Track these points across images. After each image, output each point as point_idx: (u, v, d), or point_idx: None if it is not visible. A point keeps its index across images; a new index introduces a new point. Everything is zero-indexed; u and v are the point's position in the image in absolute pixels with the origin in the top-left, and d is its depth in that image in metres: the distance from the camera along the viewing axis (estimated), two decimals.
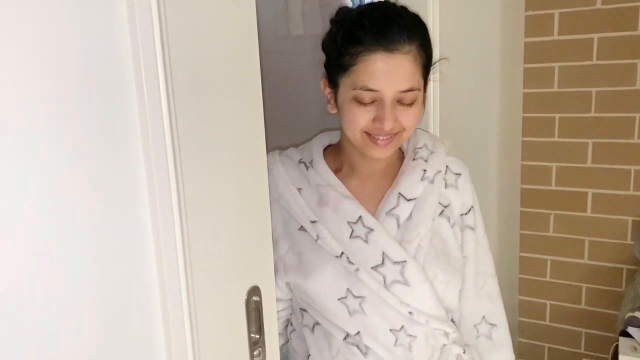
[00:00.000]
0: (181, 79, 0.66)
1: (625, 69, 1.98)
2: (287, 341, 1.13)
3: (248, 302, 0.81)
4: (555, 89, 2.10)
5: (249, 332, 0.82)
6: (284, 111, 1.99)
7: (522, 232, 2.27)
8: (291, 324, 1.11)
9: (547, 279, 2.26)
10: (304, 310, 1.05)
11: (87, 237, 0.59)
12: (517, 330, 2.36)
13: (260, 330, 0.83)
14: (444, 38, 1.30)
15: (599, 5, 1.97)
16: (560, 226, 2.20)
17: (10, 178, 0.52)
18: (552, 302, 2.27)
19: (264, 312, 0.83)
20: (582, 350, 2.25)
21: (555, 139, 2.14)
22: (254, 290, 0.82)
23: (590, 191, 2.12)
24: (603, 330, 2.18)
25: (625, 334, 1.87)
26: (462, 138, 1.59)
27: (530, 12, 2.08)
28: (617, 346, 1.89)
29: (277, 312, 1.08)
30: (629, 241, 2.08)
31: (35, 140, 0.53)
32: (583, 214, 2.14)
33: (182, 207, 0.68)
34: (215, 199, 0.73)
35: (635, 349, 1.79)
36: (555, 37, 2.06)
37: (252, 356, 0.83)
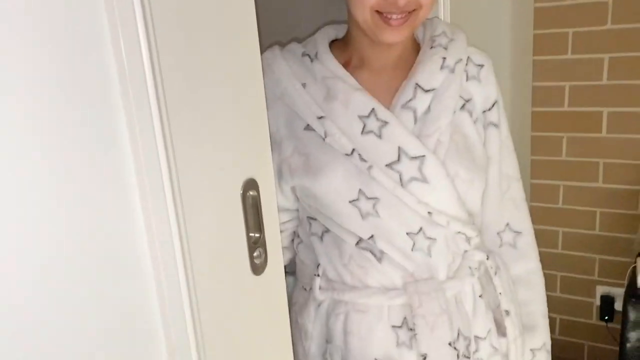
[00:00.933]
0: None
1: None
2: (294, 255, 1.04)
3: (244, 197, 0.71)
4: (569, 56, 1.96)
5: (247, 231, 0.72)
6: (281, 19, 1.86)
7: (533, 157, 2.17)
8: (298, 235, 1.02)
9: (560, 205, 2.17)
10: (312, 218, 0.95)
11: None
12: None
13: (259, 228, 0.74)
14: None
15: None
16: (573, 149, 2.09)
17: None
18: (565, 229, 2.19)
19: (262, 207, 0.74)
20: (596, 277, 2.18)
21: (565, 108, 2.01)
22: (251, 184, 0.72)
23: (605, 110, 2.00)
24: (618, 255, 2.10)
25: None
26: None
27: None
28: (634, 268, 1.82)
29: (283, 223, 0.99)
30: None
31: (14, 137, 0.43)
32: (598, 134, 2.03)
33: (159, 87, 0.56)
34: (202, 80, 0.62)
35: None
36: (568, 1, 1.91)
37: (251, 258, 0.73)
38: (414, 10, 0.83)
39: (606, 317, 2.17)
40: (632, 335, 1.70)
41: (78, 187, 0.52)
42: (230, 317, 0.70)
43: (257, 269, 0.75)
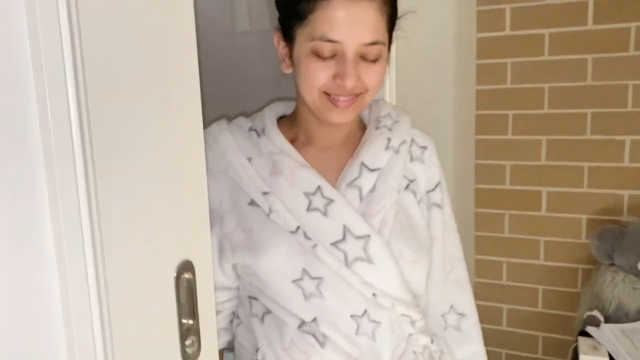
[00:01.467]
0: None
1: (577, 65, 1.96)
2: (233, 338, 0.98)
3: (178, 280, 0.67)
4: (508, 85, 2.06)
5: (180, 318, 0.68)
6: (229, 100, 1.87)
7: (477, 233, 2.21)
8: (237, 316, 0.97)
9: (504, 281, 2.19)
10: (253, 298, 0.91)
11: None
12: None
13: (193, 314, 0.69)
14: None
15: (549, 1, 1.96)
16: (515, 227, 2.14)
17: None
18: (509, 306, 2.20)
19: (198, 292, 0.69)
20: (539, 355, 2.18)
21: (509, 136, 2.09)
22: (186, 266, 0.68)
23: (544, 189, 2.08)
24: (560, 333, 2.12)
25: (584, 334, 1.81)
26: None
27: (482, 7, 2.05)
28: (576, 347, 1.83)
29: (222, 302, 0.95)
30: (583, 240, 2.04)
31: None
32: (538, 213, 2.10)
33: (89, 162, 0.53)
34: (133, 155, 0.59)
35: (596, 348, 1.73)
36: (507, 32, 2.03)
37: (183, 347, 0.68)
38: (360, 93, 0.84)
39: None
40: None
41: None
42: None
43: (189, 359, 0.70)
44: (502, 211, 2.15)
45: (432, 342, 0.93)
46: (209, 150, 0.91)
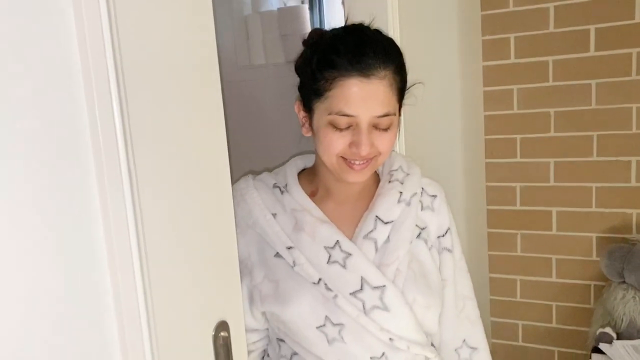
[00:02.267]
0: (136, 102, 0.62)
1: (581, 90, 2.03)
2: None
3: (216, 339, 0.77)
4: (515, 111, 2.14)
5: None
6: (252, 139, 1.97)
7: (490, 252, 2.28)
8: (268, 354, 1.06)
9: (518, 299, 2.26)
10: (281, 340, 1.00)
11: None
12: (491, 353, 2.34)
13: None
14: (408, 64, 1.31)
15: (552, 29, 2.03)
16: (527, 246, 2.21)
17: None
18: (524, 322, 2.27)
19: (233, 348, 0.79)
20: None
21: (518, 159, 2.17)
22: (222, 326, 0.78)
23: (554, 209, 2.14)
24: (575, 347, 2.18)
25: (597, 350, 1.87)
26: (428, 160, 1.59)
27: (488, 37, 2.13)
28: None
29: (253, 342, 1.04)
30: (594, 257, 2.11)
31: None
32: (549, 232, 2.17)
33: (141, 236, 0.64)
34: (177, 229, 0.70)
35: None
36: (512, 60, 2.11)
37: None
38: (374, 157, 0.93)
39: None
40: None
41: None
42: None
43: None
44: (514, 231, 2.22)
45: None
46: (238, 206, 1.01)
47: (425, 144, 1.63)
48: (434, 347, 1.05)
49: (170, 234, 0.68)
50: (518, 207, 2.20)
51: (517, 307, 2.27)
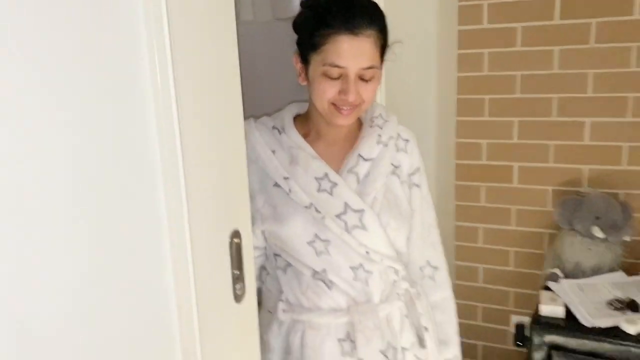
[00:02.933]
0: (186, 88, 0.79)
1: (545, 56, 2.23)
2: (262, 284, 1.29)
3: (231, 243, 0.96)
4: (486, 73, 2.34)
5: (232, 269, 0.97)
6: (248, 89, 2.12)
7: (457, 203, 2.51)
8: (265, 268, 1.27)
9: (480, 245, 2.50)
10: (277, 255, 1.20)
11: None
12: (455, 293, 2.58)
13: (240, 267, 0.98)
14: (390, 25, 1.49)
15: None
16: (490, 197, 2.44)
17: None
18: (485, 266, 2.52)
19: (243, 252, 0.98)
20: (511, 307, 2.51)
21: (486, 118, 2.38)
22: (235, 234, 0.97)
23: (516, 164, 2.37)
24: (529, 288, 2.44)
25: (547, 288, 2.13)
26: (406, 115, 1.79)
27: (463, 3, 2.30)
28: (539, 299, 2.15)
29: (254, 258, 1.24)
30: (549, 208, 2.35)
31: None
32: (510, 185, 2.40)
33: (186, 168, 0.81)
34: (208, 162, 0.88)
35: (554, 299, 2.05)
36: (485, 25, 2.29)
37: (234, 289, 0.98)
38: (359, 104, 1.12)
39: (519, 343, 2.49)
40: (536, 356, 2.02)
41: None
42: (218, 334, 0.94)
43: (238, 297, 0.99)
44: (479, 183, 2.45)
45: (411, 287, 1.23)
46: None
47: (404, 99, 1.81)
48: (403, 264, 1.26)
49: (203, 161, 0.86)
50: (484, 161, 2.42)
51: (479, 252, 2.52)
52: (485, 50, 2.32)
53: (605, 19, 2.12)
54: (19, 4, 0.57)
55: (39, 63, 0.60)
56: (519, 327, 2.48)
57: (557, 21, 2.19)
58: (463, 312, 2.59)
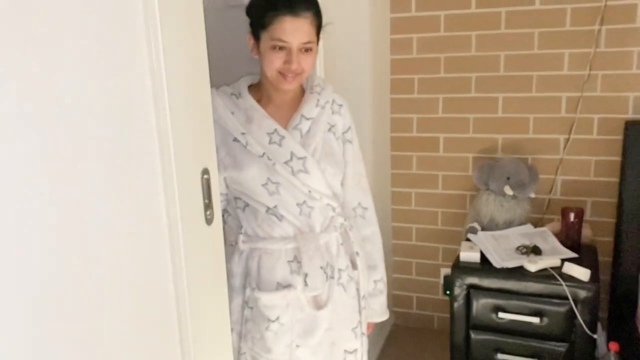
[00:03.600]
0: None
1: (464, 40, 2.58)
2: (224, 224, 1.56)
3: (202, 178, 1.23)
4: (414, 56, 2.67)
5: (204, 199, 1.24)
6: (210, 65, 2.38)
7: (393, 171, 2.85)
8: (227, 211, 1.54)
9: (413, 207, 2.85)
10: (237, 198, 1.48)
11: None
12: (392, 251, 2.94)
13: (209, 197, 1.25)
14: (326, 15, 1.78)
15: None
16: (420, 165, 2.79)
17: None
18: (417, 226, 2.87)
19: (212, 186, 1.26)
20: (440, 262, 2.88)
21: (415, 95, 2.71)
22: (205, 171, 1.24)
23: (441, 136, 2.72)
24: (455, 243, 2.81)
25: (467, 240, 2.49)
26: (345, 95, 2.09)
27: None
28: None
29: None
30: (470, 173, 2.71)
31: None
32: (437, 154, 2.75)
33: (172, 122, 1.08)
34: (185, 117, 1.14)
35: (472, 247, 2.41)
36: (413, 13, 2.62)
37: (205, 215, 1.25)
38: (300, 72, 1.40)
39: (448, 292, 2.86)
40: (457, 295, 2.37)
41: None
42: (197, 250, 1.21)
43: (209, 221, 1.27)
44: (411, 153, 2.79)
45: (345, 221, 1.54)
46: None
47: (343, 82, 2.12)
48: (339, 204, 1.56)
49: (184, 116, 1.13)
50: (414, 134, 2.76)
51: (412, 214, 2.87)
52: (414, 36, 2.65)
53: (513, 8, 2.49)
54: None
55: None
56: (447, 278, 2.85)
57: (473, 9, 2.54)
58: (399, 268, 2.95)
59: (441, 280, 2.88)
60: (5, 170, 0.76)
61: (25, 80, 0.78)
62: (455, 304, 2.38)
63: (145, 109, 1.05)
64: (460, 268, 2.36)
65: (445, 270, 2.86)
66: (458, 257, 2.41)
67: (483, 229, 2.54)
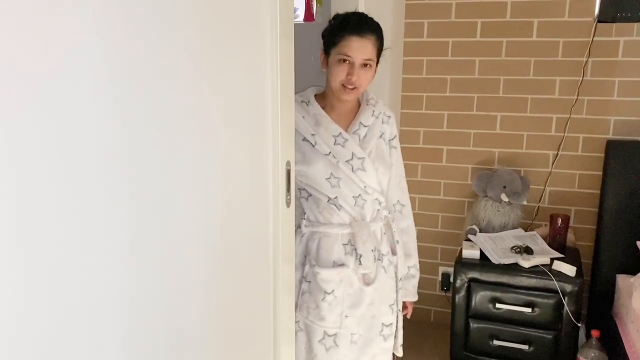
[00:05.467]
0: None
1: (468, 64, 2.92)
2: None
3: (285, 169, 1.51)
4: (424, 76, 3.00)
5: (286, 186, 1.52)
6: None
7: None
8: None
9: (416, 211, 3.16)
10: (302, 189, 1.76)
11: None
12: None
13: (289, 184, 1.54)
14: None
15: (453, 19, 2.90)
16: (425, 173, 3.11)
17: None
18: (420, 228, 3.18)
19: (291, 175, 1.54)
20: (439, 261, 3.19)
21: (423, 111, 3.04)
22: (288, 163, 1.52)
23: (445, 147, 3.05)
24: (453, 245, 3.13)
25: (467, 240, 2.81)
26: None
27: (409, 20, 2.95)
28: (461, 250, 2.83)
29: None
30: (468, 182, 3.04)
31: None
32: (440, 164, 3.08)
33: (274, 127, 1.36)
34: (284, 118, 1.42)
35: (473, 246, 2.73)
36: (425, 39, 2.96)
37: (286, 197, 1.53)
38: (360, 86, 1.70)
39: (445, 288, 3.18)
40: (460, 288, 2.69)
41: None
42: (281, 225, 1.48)
43: (288, 204, 1.55)
44: (417, 162, 3.11)
45: (388, 214, 1.83)
46: None
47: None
48: (384, 199, 1.85)
49: (281, 114, 1.41)
50: (421, 145, 3.09)
51: (415, 217, 3.09)
52: (425, 58, 2.98)
53: (513, 39, 2.84)
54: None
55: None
56: (445, 276, 3.18)
57: (478, 38, 2.89)
58: None
59: (439, 278, 3.20)
60: (182, 170, 1.04)
61: (222, 79, 1.07)
62: (457, 296, 2.70)
63: (265, 112, 1.33)
64: (462, 264, 2.68)
65: (444, 269, 3.18)
66: (461, 254, 2.73)
67: (481, 231, 2.86)
